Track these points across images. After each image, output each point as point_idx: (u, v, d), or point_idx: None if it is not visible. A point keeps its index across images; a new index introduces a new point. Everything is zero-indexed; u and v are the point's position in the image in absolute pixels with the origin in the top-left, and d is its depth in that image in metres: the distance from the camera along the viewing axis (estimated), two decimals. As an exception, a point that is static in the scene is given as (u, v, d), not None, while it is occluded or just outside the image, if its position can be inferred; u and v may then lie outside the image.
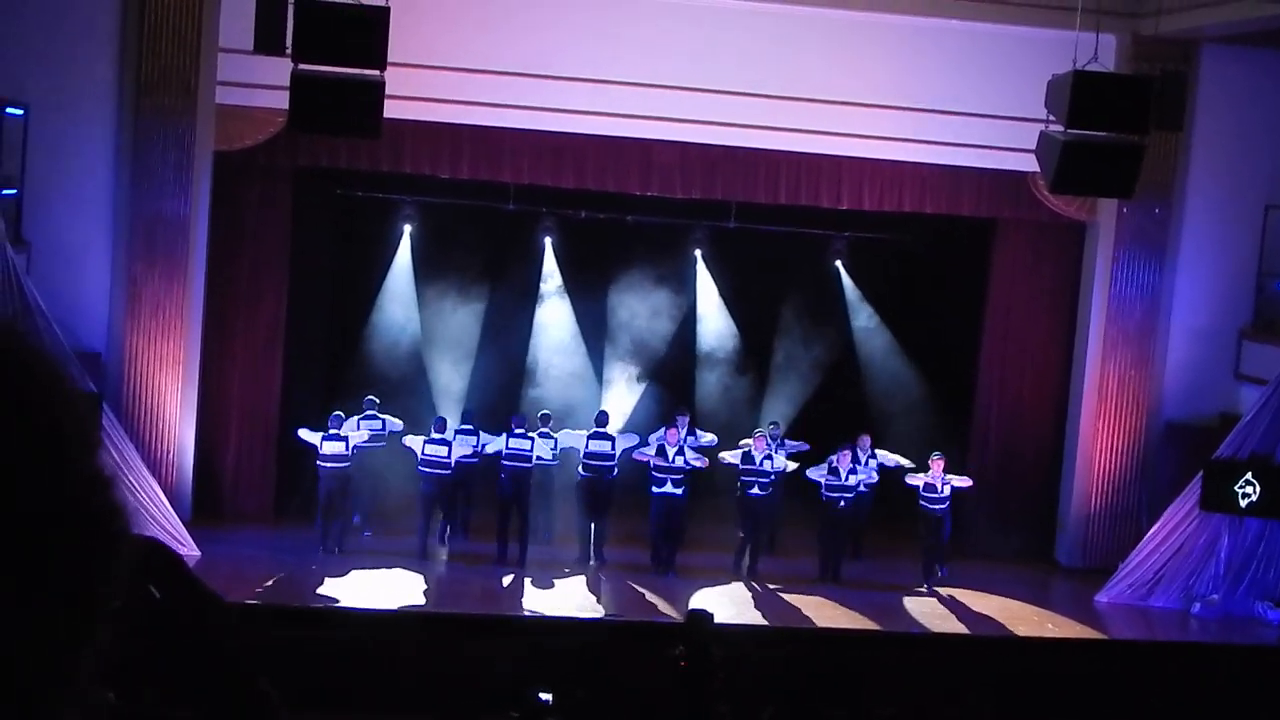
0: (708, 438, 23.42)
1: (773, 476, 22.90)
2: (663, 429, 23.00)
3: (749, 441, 23.05)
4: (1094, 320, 24.23)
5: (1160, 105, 19.03)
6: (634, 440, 23.23)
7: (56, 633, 1.51)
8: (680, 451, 22.60)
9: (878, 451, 23.45)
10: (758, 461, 22.67)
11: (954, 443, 24.56)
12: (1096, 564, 23.65)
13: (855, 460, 22.91)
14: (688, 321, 25.87)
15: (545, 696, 14.85)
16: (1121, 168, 18.43)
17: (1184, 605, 22.30)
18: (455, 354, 25.15)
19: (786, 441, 23.97)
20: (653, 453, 22.61)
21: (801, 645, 19.14)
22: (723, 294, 25.95)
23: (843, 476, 22.61)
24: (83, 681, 1.57)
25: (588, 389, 25.29)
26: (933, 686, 18.16)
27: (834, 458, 22.75)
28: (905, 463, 23.26)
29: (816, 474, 22.77)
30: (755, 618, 20.75)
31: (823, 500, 22.68)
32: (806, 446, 23.76)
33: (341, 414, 22.63)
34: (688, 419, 23.73)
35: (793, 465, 23.35)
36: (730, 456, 22.94)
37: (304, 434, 22.55)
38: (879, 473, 23.23)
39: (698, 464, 22.70)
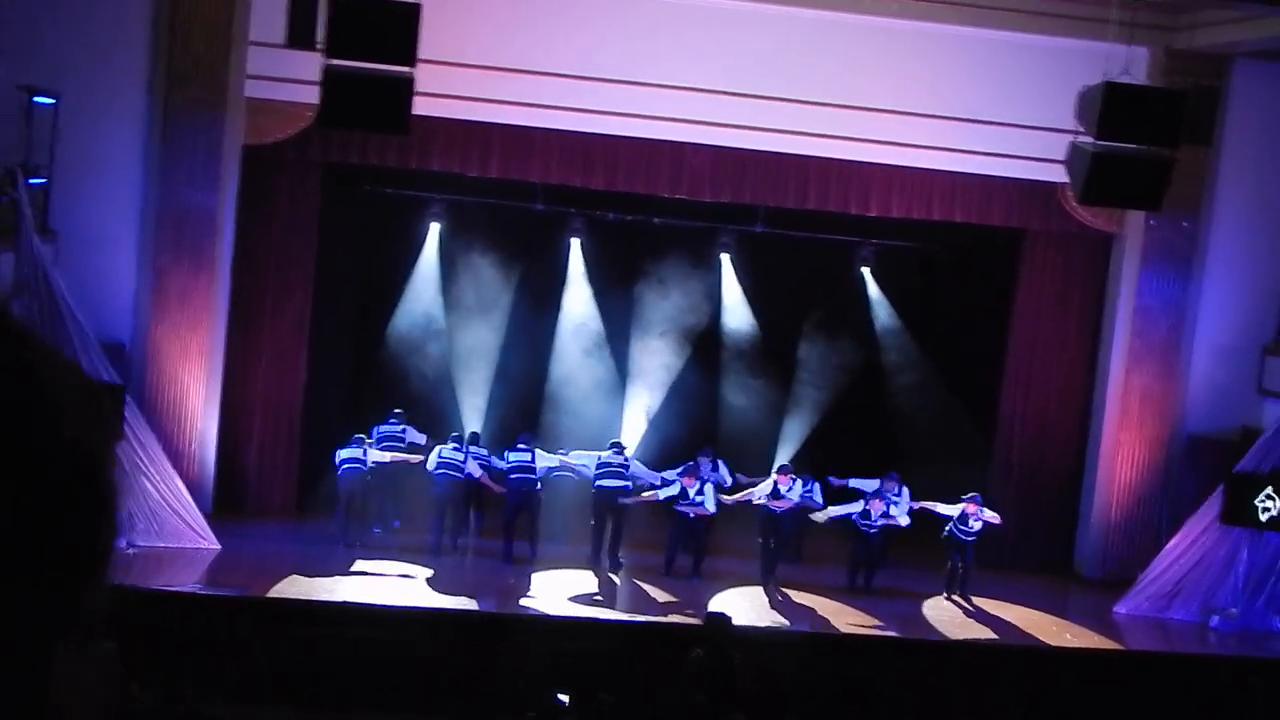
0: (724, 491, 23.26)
1: (796, 504, 22.84)
2: (681, 469, 22.91)
3: (774, 479, 22.94)
4: (1119, 332, 24.20)
5: (1191, 119, 19.02)
6: (655, 479, 23.17)
7: (40, 602, 1.53)
8: (700, 490, 22.48)
9: (904, 489, 23.19)
10: (783, 493, 22.63)
11: (977, 452, 24.57)
12: (1117, 575, 23.61)
13: (887, 504, 22.74)
14: (713, 325, 25.83)
15: (562, 698, 14.86)
16: (1150, 180, 18.41)
17: (1202, 618, 22.27)
18: (479, 352, 25.15)
19: (812, 480, 23.63)
20: (675, 492, 22.55)
21: (821, 651, 19.15)
22: (748, 298, 25.89)
23: (874, 519, 22.55)
24: (68, 644, 1.59)
25: (611, 391, 25.26)
26: (951, 695, 18.15)
27: (867, 505, 22.64)
28: (940, 508, 22.96)
29: (848, 510, 22.69)
30: (775, 623, 20.72)
31: (852, 522, 22.68)
32: (821, 505, 23.51)
33: (363, 436, 22.74)
34: (710, 455, 23.56)
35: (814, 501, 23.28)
36: (758, 494, 22.81)
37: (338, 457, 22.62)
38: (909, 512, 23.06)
39: (710, 509, 22.51)
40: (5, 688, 1.52)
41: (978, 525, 22.42)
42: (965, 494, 22.59)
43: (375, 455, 22.57)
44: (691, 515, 22.40)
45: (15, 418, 1.51)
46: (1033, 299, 24.89)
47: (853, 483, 23.24)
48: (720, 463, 23.60)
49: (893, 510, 22.69)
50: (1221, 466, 22.19)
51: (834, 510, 22.91)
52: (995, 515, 22.63)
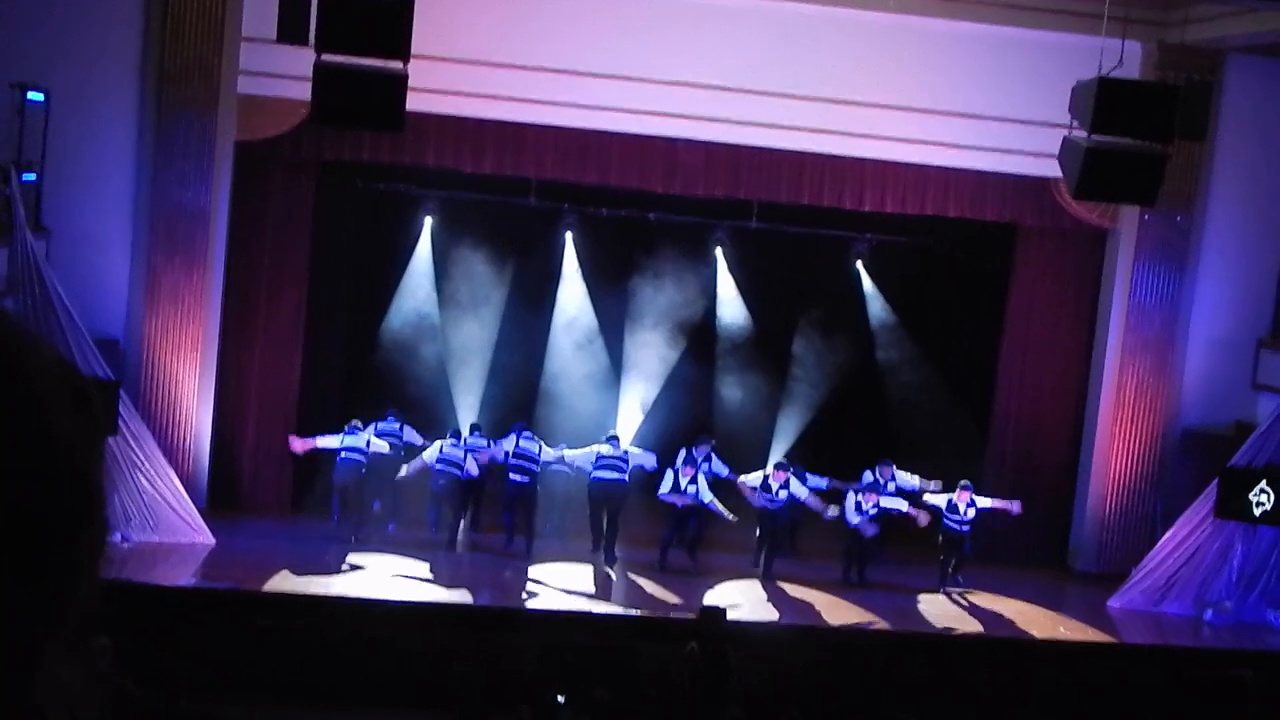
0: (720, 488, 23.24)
1: (789, 501, 22.86)
2: (682, 452, 22.98)
3: (766, 472, 22.96)
4: (1113, 327, 24.20)
5: (1184, 114, 18.96)
6: (650, 459, 23.20)
7: (27, 601, 1.53)
8: (694, 480, 22.52)
9: (898, 473, 23.27)
10: (774, 490, 22.62)
11: (971, 446, 24.58)
12: (1111, 569, 23.61)
13: (879, 493, 22.78)
14: (707, 320, 25.77)
15: (560, 698, 14.85)
16: (1144, 175, 18.35)
17: (1196, 612, 22.28)
18: (473, 348, 25.09)
19: (807, 475, 23.62)
20: (668, 487, 22.58)
21: (816, 645, 19.15)
22: (743, 293, 25.83)
23: (867, 509, 22.55)
24: (59, 635, 1.58)
25: (605, 386, 25.23)
26: (945, 688, 18.17)
27: (859, 498, 22.67)
28: (932, 494, 22.99)
29: (844, 511, 22.71)
30: (771, 617, 20.73)
31: (846, 522, 22.69)
32: (825, 484, 23.57)
33: (359, 423, 22.70)
34: (709, 447, 23.53)
35: (809, 493, 23.17)
36: (750, 482, 22.84)
37: (322, 441, 22.54)
38: (901, 495, 23.06)
39: (705, 500, 22.53)
40: None
41: (971, 513, 22.44)
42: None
43: (377, 445, 22.58)
44: (680, 505, 22.43)
45: (1, 413, 1.51)
46: (1027, 294, 24.90)
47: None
48: (715, 457, 23.56)
49: (885, 501, 22.72)
50: (1215, 461, 22.16)
51: (833, 510, 22.86)
52: (991, 501, 22.63)
